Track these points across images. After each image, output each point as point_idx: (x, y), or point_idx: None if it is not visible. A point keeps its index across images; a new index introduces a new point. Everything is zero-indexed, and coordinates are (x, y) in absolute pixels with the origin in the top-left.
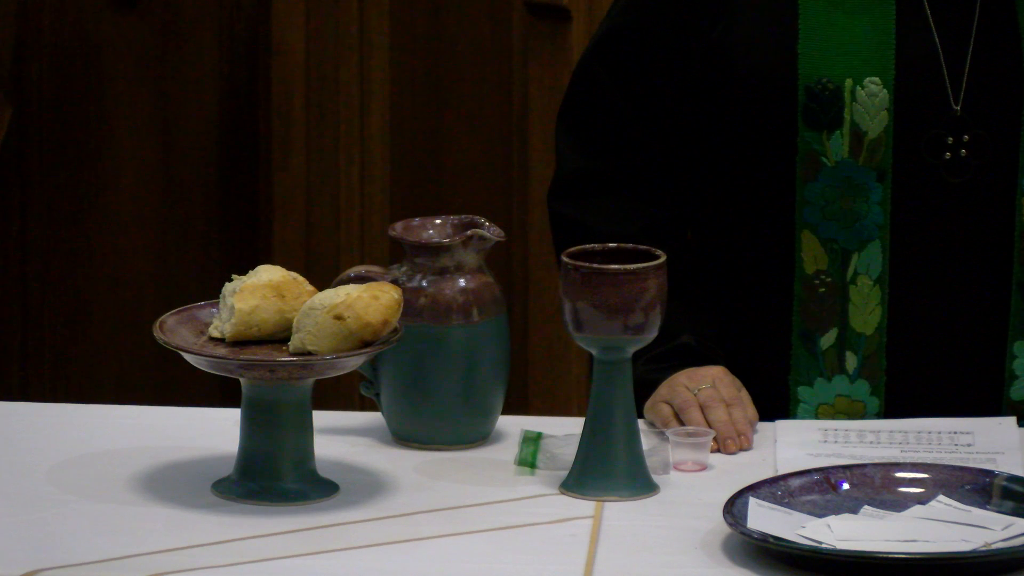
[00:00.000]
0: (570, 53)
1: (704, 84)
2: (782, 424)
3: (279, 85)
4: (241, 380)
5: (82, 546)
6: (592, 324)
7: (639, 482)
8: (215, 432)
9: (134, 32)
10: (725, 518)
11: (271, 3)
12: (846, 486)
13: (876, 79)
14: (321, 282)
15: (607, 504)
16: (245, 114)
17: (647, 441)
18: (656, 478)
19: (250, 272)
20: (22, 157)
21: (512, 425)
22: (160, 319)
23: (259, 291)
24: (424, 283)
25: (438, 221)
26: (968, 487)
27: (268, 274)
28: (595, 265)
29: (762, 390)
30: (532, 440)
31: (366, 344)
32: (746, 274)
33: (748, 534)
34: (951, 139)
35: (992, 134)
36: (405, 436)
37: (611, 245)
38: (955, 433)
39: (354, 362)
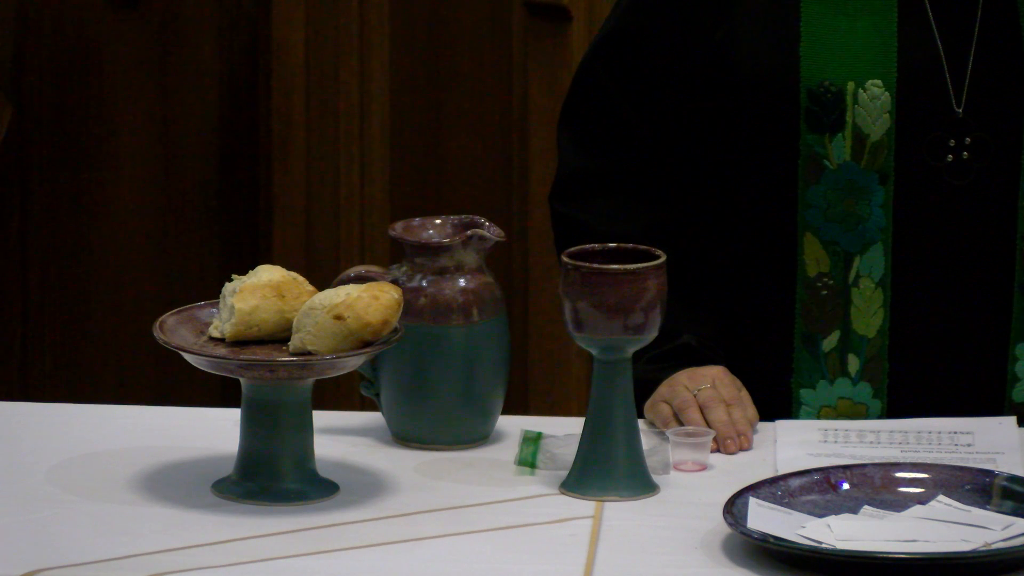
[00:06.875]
0: (570, 53)
1: (706, 86)
2: (782, 424)
3: (279, 85)
4: (241, 380)
5: (82, 546)
6: (592, 324)
7: (639, 482)
8: (215, 432)
9: (134, 32)
10: (725, 518)
11: (271, 3)
12: (846, 486)
13: (878, 82)
14: (321, 282)
15: (607, 504)
16: (245, 114)
17: (647, 441)
18: (656, 478)
19: (250, 272)
20: (22, 157)
21: (512, 425)
22: (160, 319)
23: (259, 291)
24: (424, 283)
25: (438, 221)
26: (968, 487)
27: (268, 274)
28: (595, 265)
29: (764, 392)
30: (532, 440)
31: (366, 344)
32: (748, 277)
33: (748, 534)
34: (953, 141)
35: (994, 136)
36: (405, 436)
37: (611, 245)
38: (955, 433)
39: (354, 362)
